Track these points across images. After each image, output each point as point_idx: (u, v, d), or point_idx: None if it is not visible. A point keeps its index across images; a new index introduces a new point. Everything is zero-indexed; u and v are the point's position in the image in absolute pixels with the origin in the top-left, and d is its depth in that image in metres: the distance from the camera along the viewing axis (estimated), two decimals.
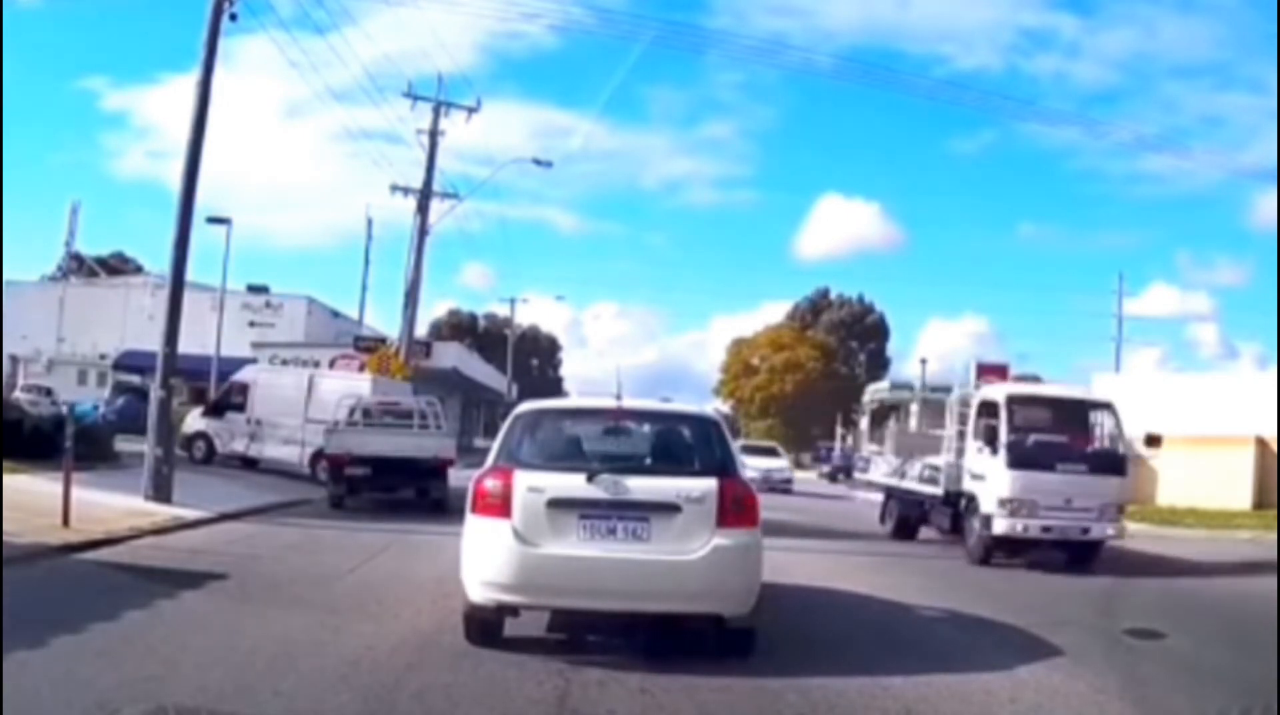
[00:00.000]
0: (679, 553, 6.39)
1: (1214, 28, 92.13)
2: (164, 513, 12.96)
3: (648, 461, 7.14)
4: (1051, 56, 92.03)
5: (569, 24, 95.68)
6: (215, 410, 23.11)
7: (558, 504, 6.42)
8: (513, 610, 6.62)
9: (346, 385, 21.14)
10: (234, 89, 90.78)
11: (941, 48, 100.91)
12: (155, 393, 14.33)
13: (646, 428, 7.68)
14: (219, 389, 24.96)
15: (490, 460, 6.79)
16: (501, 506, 6.43)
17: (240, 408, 22.42)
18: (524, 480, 6.48)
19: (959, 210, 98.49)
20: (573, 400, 9.06)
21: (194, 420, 23.34)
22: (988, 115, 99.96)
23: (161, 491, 13.84)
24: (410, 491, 16.78)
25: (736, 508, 6.56)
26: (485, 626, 6.66)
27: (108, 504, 12.60)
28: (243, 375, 23.61)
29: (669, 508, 6.45)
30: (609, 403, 7.30)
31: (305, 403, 21.32)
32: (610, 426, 7.42)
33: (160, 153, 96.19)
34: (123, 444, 23.88)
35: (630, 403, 7.40)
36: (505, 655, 6.44)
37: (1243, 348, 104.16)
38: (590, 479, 6.47)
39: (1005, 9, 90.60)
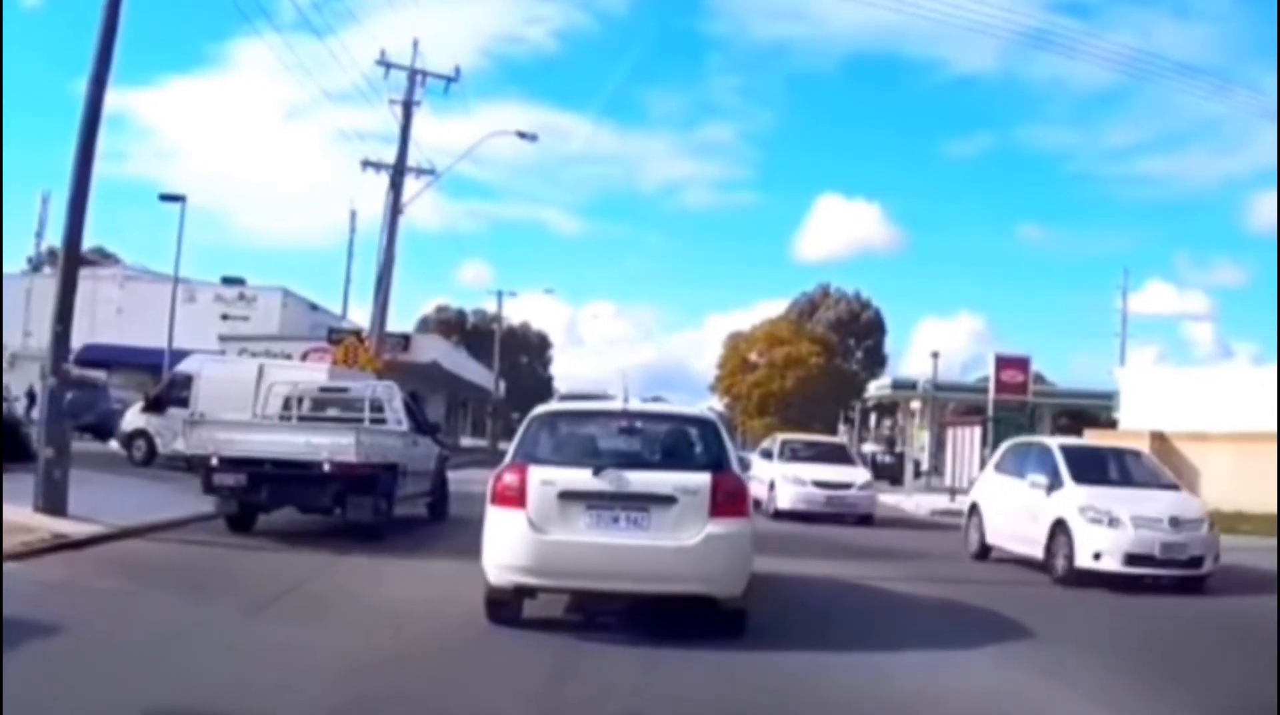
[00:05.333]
0: (675, 540, 7.05)
1: (1209, 32, 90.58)
2: (47, 529, 10.47)
3: (649, 457, 7.76)
4: (1049, 59, 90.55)
5: (569, 28, 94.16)
6: (156, 405, 20.57)
7: (567, 496, 7.11)
8: (529, 593, 7.31)
9: (300, 376, 18.56)
10: (234, 91, 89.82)
11: (940, 50, 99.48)
12: (47, 381, 11.79)
13: (649, 427, 8.07)
14: (161, 382, 22.45)
15: (509, 457, 7.50)
16: (518, 498, 7.13)
17: (184, 403, 19.84)
18: (537, 475, 7.18)
19: (958, 211, 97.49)
20: (583, 403, 9.48)
21: (134, 417, 20.86)
22: (985, 117, 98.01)
23: (53, 501, 11.32)
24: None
25: (728, 500, 7.19)
26: (504, 608, 7.32)
27: None
28: (186, 366, 21.04)
29: (666, 499, 7.11)
30: (615, 405, 8.08)
31: (254, 396, 18.71)
32: (616, 426, 7.93)
33: (162, 153, 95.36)
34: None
35: (635, 405, 8.08)
36: (515, 631, 7.17)
37: (1238, 347, 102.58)
38: (596, 473, 7.14)
39: (1002, 13, 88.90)
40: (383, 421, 13.45)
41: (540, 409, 8.13)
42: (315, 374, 19.59)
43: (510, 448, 7.70)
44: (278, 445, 11.96)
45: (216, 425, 12.52)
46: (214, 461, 11.77)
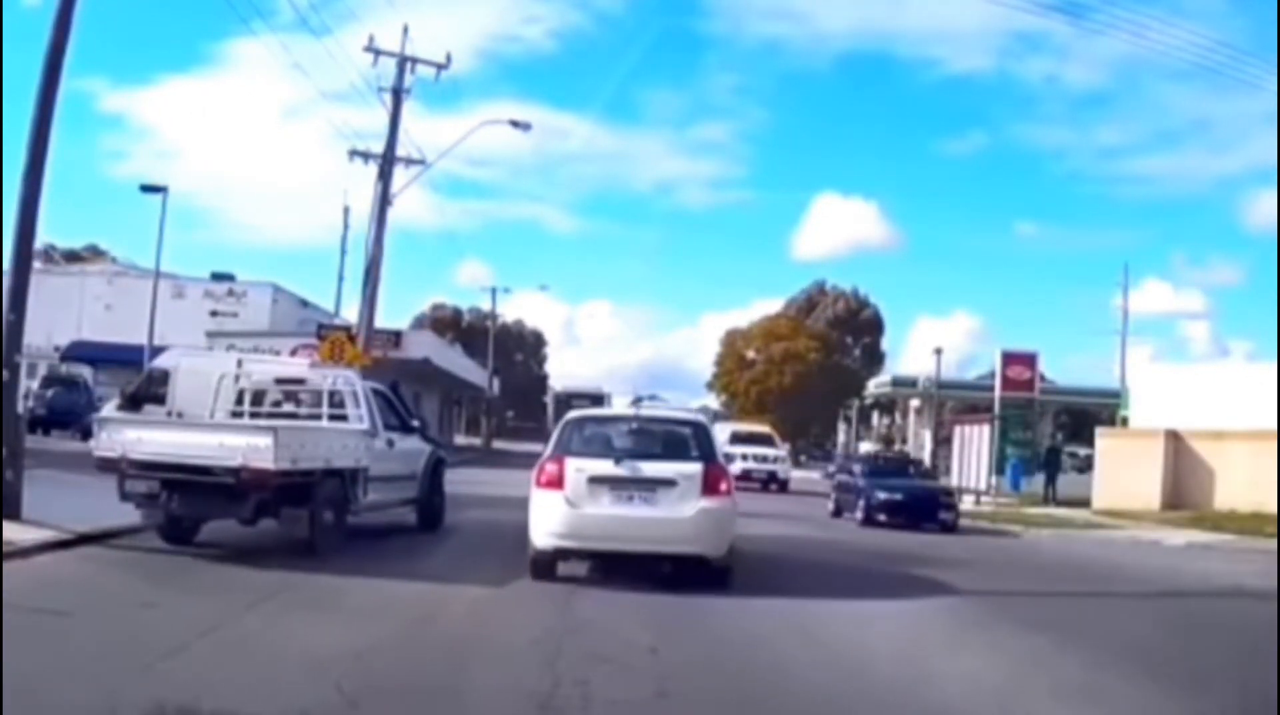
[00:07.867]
0: (675, 513, 9.38)
1: (1204, 31, 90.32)
2: None
3: (656, 451, 9.87)
4: (1043, 59, 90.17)
5: (566, 28, 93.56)
6: (133, 402, 19.61)
7: (595, 480, 9.46)
8: (564, 555, 9.65)
9: (280, 370, 17.60)
10: (232, 90, 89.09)
11: (934, 50, 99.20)
12: None
13: (655, 428, 10.31)
14: (138, 377, 21.52)
15: (549, 451, 9.82)
16: (558, 482, 9.47)
17: (160, 400, 18.89)
18: (573, 464, 9.53)
19: (954, 209, 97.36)
20: (605, 409, 12.57)
21: (110, 414, 19.93)
22: (980, 116, 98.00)
23: (4, 504, 10.47)
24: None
25: (716, 483, 9.54)
26: (545, 566, 9.59)
27: None
28: (163, 361, 19.93)
29: (669, 482, 9.46)
30: (629, 410, 10.52)
31: (217, 391, 17.69)
32: (630, 427, 10.16)
33: (160, 153, 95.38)
34: (44, 442, 20.70)
35: (645, 410, 10.51)
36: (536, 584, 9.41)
37: (1233, 345, 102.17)
38: (617, 463, 9.57)
39: (997, 12, 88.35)
40: (344, 417, 11.77)
41: (572, 414, 10.55)
42: (295, 368, 18.66)
43: (549, 445, 10.00)
44: (188, 447, 10.05)
45: (127, 423, 11.02)
46: (124, 466, 10.19)
